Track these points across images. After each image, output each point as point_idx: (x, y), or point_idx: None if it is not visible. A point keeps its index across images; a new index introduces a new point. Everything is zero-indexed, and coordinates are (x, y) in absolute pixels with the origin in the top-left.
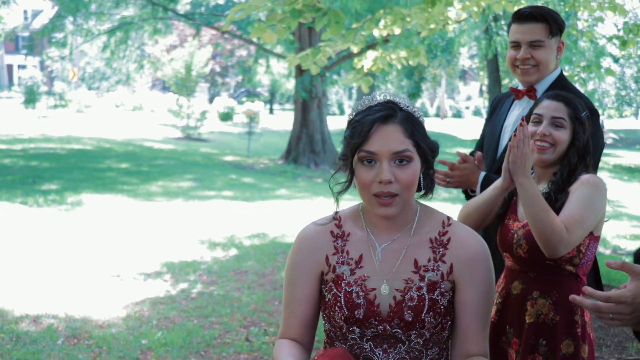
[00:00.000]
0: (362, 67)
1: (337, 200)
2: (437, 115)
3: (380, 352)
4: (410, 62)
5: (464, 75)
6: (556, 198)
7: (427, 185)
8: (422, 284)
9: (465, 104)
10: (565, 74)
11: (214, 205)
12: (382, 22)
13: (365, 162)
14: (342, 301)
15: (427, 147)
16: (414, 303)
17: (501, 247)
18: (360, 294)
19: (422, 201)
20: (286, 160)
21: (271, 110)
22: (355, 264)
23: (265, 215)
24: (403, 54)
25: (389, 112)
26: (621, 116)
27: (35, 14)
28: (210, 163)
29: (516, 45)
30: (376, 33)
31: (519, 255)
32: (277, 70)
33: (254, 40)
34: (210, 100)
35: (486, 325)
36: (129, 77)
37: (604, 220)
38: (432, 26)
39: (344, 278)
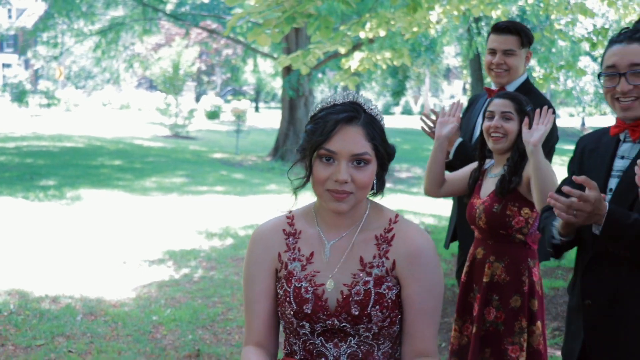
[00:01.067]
0: (349, 67)
1: (295, 194)
2: (421, 113)
3: (332, 347)
4: (395, 63)
5: (447, 73)
6: (510, 180)
7: (379, 187)
8: (369, 279)
9: (449, 102)
10: (541, 73)
11: (207, 199)
12: (368, 25)
13: (324, 159)
14: (291, 296)
15: (385, 152)
16: (361, 297)
17: (469, 220)
18: (309, 289)
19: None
20: (274, 157)
21: (257, 109)
22: (306, 260)
23: (258, 208)
24: (388, 55)
25: (353, 113)
26: (602, 114)
27: (20, 12)
28: (200, 160)
29: (493, 52)
30: (362, 35)
31: (480, 227)
32: (263, 69)
33: (242, 40)
34: (197, 99)
35: (433, 323)
36: (118, 77)
37: None
38: (415, 29)
39: (295, 274)
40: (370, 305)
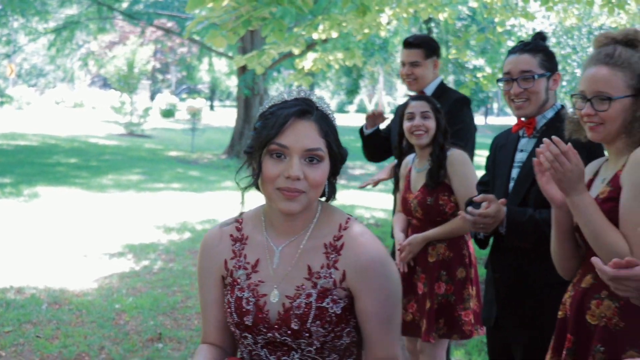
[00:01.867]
0: (303, 67)
1: (242, 196)
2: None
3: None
4: (347, 63)
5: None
6: (438, 173)
7: (329, 192)
8: (312, 291)
9: (403, 101)
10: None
11: (164, 195)
12: (321, 27)
13: (274, 155)
14: (233, 307)
15: (338, 152)
16: (301, 311)
17: (405, 213)
18: (251, 299)
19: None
20: (229, 155)
21: (212, 107)
22: (251, 268)
23: (214, 204)
24: (340, 55)
25: (306, 107)
26: None
27: None
28: (156, 158)
29: (403, 64)
30: (315, 36)
31: (418, 217)
32: (218, 68)
33: (198, 39)
34: (152, 97)
35: (392, 330)
36: (73, 75)
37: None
38: (367, 31)
39: (239, 283)
40: (310, 320)
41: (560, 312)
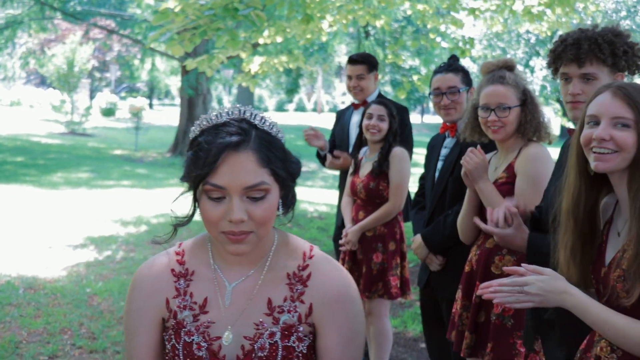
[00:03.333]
0: (250, 70)
1: (175, 231)
2: (315, 109)
3: None
4: (291, 66)
5: (339, 71)
6: (382, 165)
7: (286, 206)
8: (275, 329)
9: (341, 99)
10: (421, 75)
11: (116, 192)
12: (266, 32)
13: (212, 195)
14: (181, 354)
15: (286, 174)
16: (265, 353)
17: (352, 193)
18: (202, 344)
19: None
20: (174, 153)
21: (151, 106)
22: (199, 308)
23: (165, 199)
24: (284, 58)
25: (240, 136)
26: None
27: None
28: (101, 156)
29: (349, 77)
30: (261, 41)
31: (362, 198)
32: (160, 68)
33: (140, 39)
34: (92, 96)
35: None
36: (14, 74)
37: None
38: (309, 36)
39: (185, 326)
40: None
41: (467, 267)
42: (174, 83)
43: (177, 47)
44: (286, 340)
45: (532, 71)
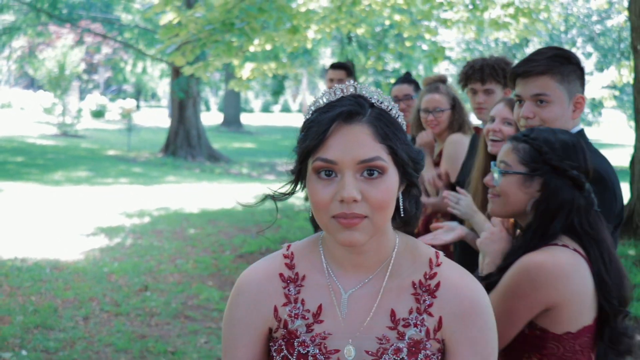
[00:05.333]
0: (242, 75)
1: (276, 211)
2: (300, 110)
3: None
4: (280, 72)
5: (324, 73)
6: None
7: (409, 209)
8: (401, 345)
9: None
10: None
11: (116, 188)
12: (256, 41)
13: (322, 174)
14: None
15: (406, 156)
16: None
17: None
18: (319, 357)
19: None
20: (165, 153)
21: (138, 107)
22: (312, 317)
23: (163, 194)
24: (273, 65)
25: (354, 107)
26: None
27: None
28: (96, 157)
29: (331, 80)
30: (252, 49)
31: None
32: (149, 71)
33: (132, 44)
34: (82, 98)
35: None
36: (9, 77)
37: None
38: (296, 44)
39: (299, 336)
40: None
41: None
42: (161, 85)
43: (180, 58)
44: (414, 358)
45: None
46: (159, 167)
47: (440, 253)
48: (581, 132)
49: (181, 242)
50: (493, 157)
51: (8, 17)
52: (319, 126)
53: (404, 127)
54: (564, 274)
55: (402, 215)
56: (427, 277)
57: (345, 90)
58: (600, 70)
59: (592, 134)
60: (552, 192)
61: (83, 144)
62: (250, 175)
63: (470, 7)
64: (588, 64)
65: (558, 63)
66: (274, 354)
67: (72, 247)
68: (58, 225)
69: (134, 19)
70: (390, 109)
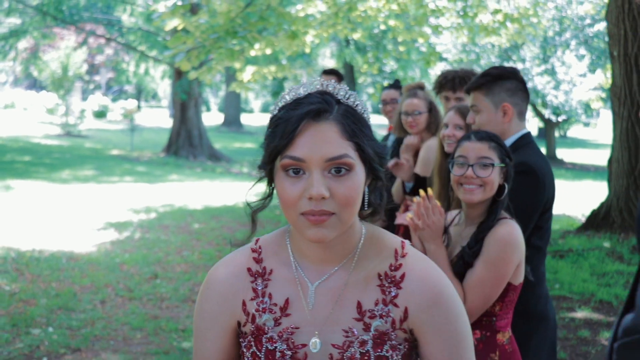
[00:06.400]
0: (243, 78)
1: (253, 221)
2: None
3: None
4: (279, 75)
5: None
6: None
7: (373, 202)
8: (366, 337)
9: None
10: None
11: (122, 186)
12: (257, 46)
13: (290, 172)
14: None
15: (372, 152)
16: None
17: None
18: (287, 352)
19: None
20: (167, 153)
21: (139, 107)
22: (280, 310)
23: (168, 192)
24: (273, 68)
25: (321, 105)
26: None
27: None
28: (100, 156)
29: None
30: (253, 53)
31: None
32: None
33: (136, 47)
34: (84, 99)
35: None
36: (15, 78)
37: None
38: (295, 48)
39: (267, 332)
40: None
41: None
42: (161, 86)
43: (186, 63)
44: (379, 350)
45: None
46: (162, 166)
47: (406, 243)
48: (527, 134)
49: (186, 236)
50: (448, 156)
51: (14, 20)
52: (287, 124)
53: (369, 122)
54: (520, 237)
55: (367, 207)
56: (393, 268)
57: (312, 87)
58: (593, 72)
59: (589, 135)
60: (510, 178)
61: (87, 144)
62: (250, 174)
63: (461, 13)
64: (581, 66)
65: (486, 81)
66: (244, 350)
67: (85, 240)
68: (69, 220)
69: (137, 22)
70: (357, 105)
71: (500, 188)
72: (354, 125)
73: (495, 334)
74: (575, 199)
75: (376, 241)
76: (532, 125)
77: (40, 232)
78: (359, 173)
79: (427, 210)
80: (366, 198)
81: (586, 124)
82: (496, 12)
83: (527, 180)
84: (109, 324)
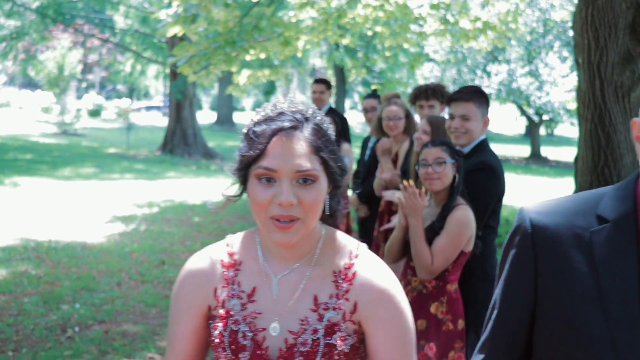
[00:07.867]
0: (238, 82)
1: (227, 201)
2: None
3: None
4: (273, 78)
5: (313, 72)
6: None
7: (333, 207)
8: (319, 326)
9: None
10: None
11: (123, 183)
12: (252, 51)
13: (262, 180)
14: (227, 341)
15: (335, 166)
16: (307, 348)
17: None
18: (248, 334)
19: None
20: (163, 151)
21: (138, 109)
22: (247, 297)
23: (167, 188)
24: (267, 72)
25: (293, 122)
26: None
27: None
28: (98, 154)
29: (314, 92)
30: (248, 58)
31: None
32: (146, 72)
33: (131, 47)
34: (79, 98)
35: None
36: (14, 78)
37: None
38: (287, 53)
39: (233, 314)
40: (317, 358)
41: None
42: (153, 85)
43: (188, 68)
44: (328, 338)
45: (489, 76)
46: (159, 164)
47: (362, 246)
48: (485, 139)
49: (188, 228)
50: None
51: (13, 22)
52: (262, 138)
53: (333, 138)
54: (472, 218)
55: (327, 212)
56: (346, 267)
57: (285, 105)
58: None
59: (576, 133)
60: (461, 170)
61: (84, 142)
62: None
63: (443, 20)
64: (563, 68)
65: (477, 96)
66: (212, 331)
67: (95, 232)
68: (78, 214)
69: (132, 25)
70: (323, 123)
71: (454, 178)
72: (320, 141)
73: (446, 284)
74: (552, 194)
75: (334, 242)
76: (520, 124)
77: (53, 225)
78: (323, 183)
79: (411, 195)
80: (327, 204)
81: (572, 123)
82: (476, 19)
83: (488, 175)
84: (126, 302)
